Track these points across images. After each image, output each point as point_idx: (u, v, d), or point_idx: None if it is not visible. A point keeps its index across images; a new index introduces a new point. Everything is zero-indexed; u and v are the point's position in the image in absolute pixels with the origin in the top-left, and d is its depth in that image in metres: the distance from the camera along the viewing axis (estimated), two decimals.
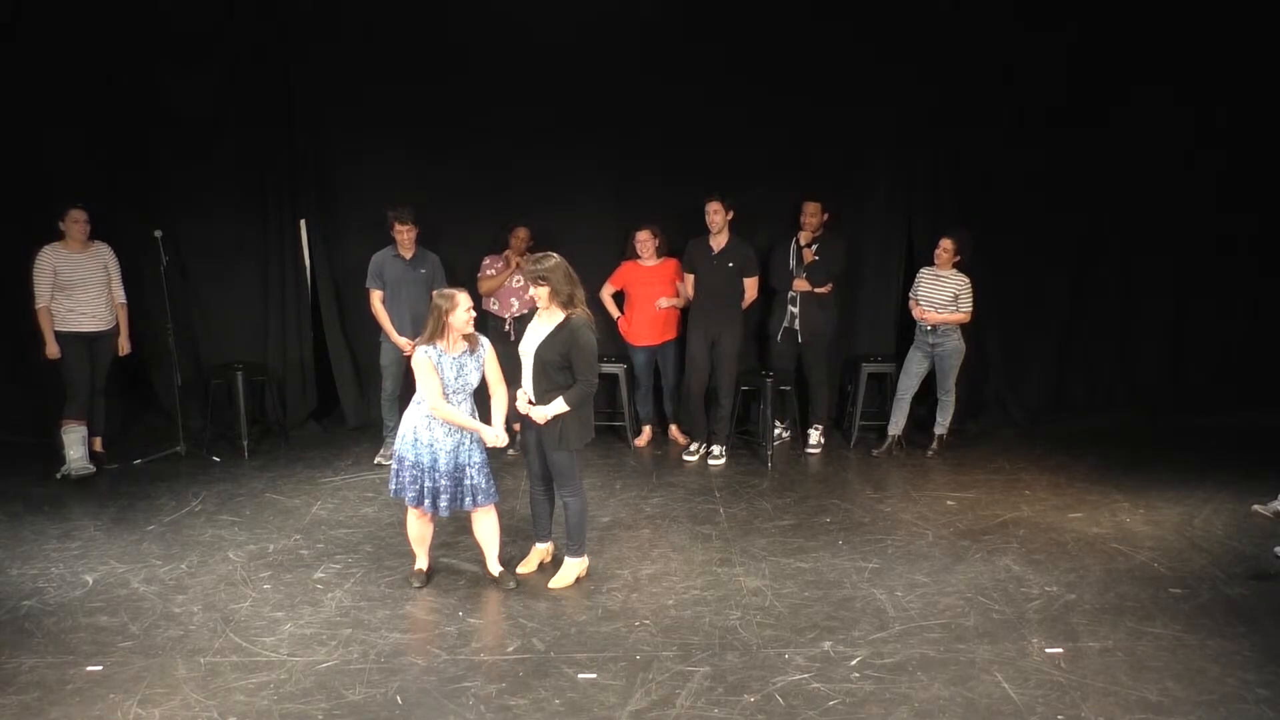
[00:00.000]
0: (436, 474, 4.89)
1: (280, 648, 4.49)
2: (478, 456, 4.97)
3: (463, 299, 4.82)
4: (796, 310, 7.22)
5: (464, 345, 4.87)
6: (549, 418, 4.88)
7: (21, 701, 4.05)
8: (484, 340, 4.99)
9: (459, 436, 4.91)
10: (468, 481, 4.94)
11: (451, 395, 4.86)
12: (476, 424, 4.88)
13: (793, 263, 7.21)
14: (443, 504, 4.92)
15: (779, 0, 7.39)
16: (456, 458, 4.92)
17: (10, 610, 4.84)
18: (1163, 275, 7.87)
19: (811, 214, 7.18)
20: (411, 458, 4.91)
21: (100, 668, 4.31)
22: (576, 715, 3.97)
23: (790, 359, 7.40)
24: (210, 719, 3.94)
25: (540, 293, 4.86)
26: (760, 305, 7.53)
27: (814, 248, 7.17)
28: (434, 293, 4.94)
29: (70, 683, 4.19)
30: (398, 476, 4.96)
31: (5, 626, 4.68)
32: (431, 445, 4.89)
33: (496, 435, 4.89)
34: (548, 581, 5.14)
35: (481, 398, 5.05)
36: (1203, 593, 4.98)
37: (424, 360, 4.81)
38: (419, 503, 4.94)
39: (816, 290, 7.18)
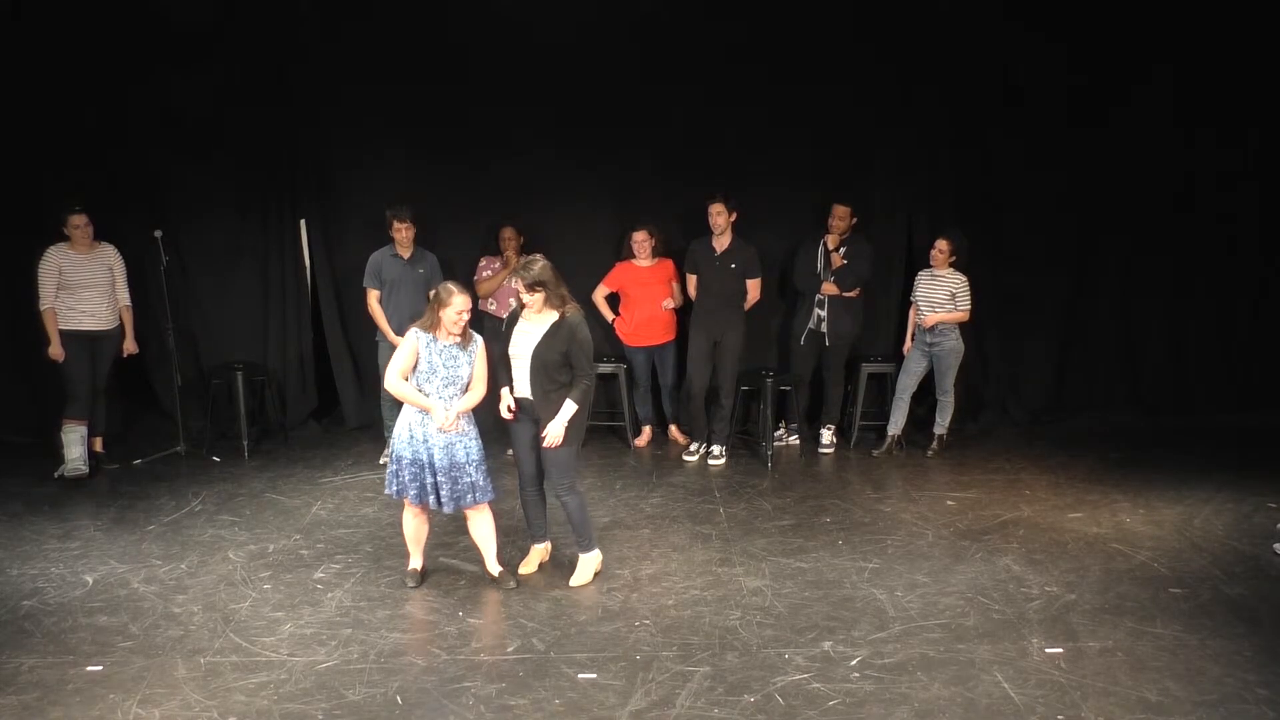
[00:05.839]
0: (434, 470, 4.90)
1: (280, 648, 4.49)
2: (475, 454, 4.97)
3: (458, 300, 4.81)
4: (824, 314, 7.19)
5: (457, 338, 4.89)
6: (565, 425, 4.88)
7: (21, 701, 4.05)
8: (478, 338, 5.01)
9: (453, 433, 4.91)
10: (466, 479, 4.94)
11: (443, 386, 4.87)
12: (426, 402, 4.85)
13: (820, 266, 7.18)
14: (444, 498, 4.92)
15: (779, 1, 7.40)
16: (452, 455, 4.91)
17: (10, 610, 4.84)
18: (1163, 275, 7.87)
19: (840, 217, 7.11)
20: (409, 455, 4.91)
21: (100, 668, 4.31)
22: (576, 715, 3.97)
23: (811, 362, 7.40)
24: (210, 719, 3.95)
25: (535, 298, 4.86)
26: (777, 307, 7.53)
27: (842, 251, 7.14)
28: (439, 286, 4.94)
29: (70, 683, 4.19)
30: (397, 476, 4.95)
31: (5, 626, 4.68)
32: (427, 441, 4.89)
33: (446, 416, 4.84)
34: (548, 579, 5.15)
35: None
36: (1203, 593, 4.98)
37: (410, 340, 4.86)
38: (422, 499, 4.94)
39: (845, 294, 7.16)
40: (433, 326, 4.85)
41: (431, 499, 4.94)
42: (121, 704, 4.04)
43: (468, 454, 4.94)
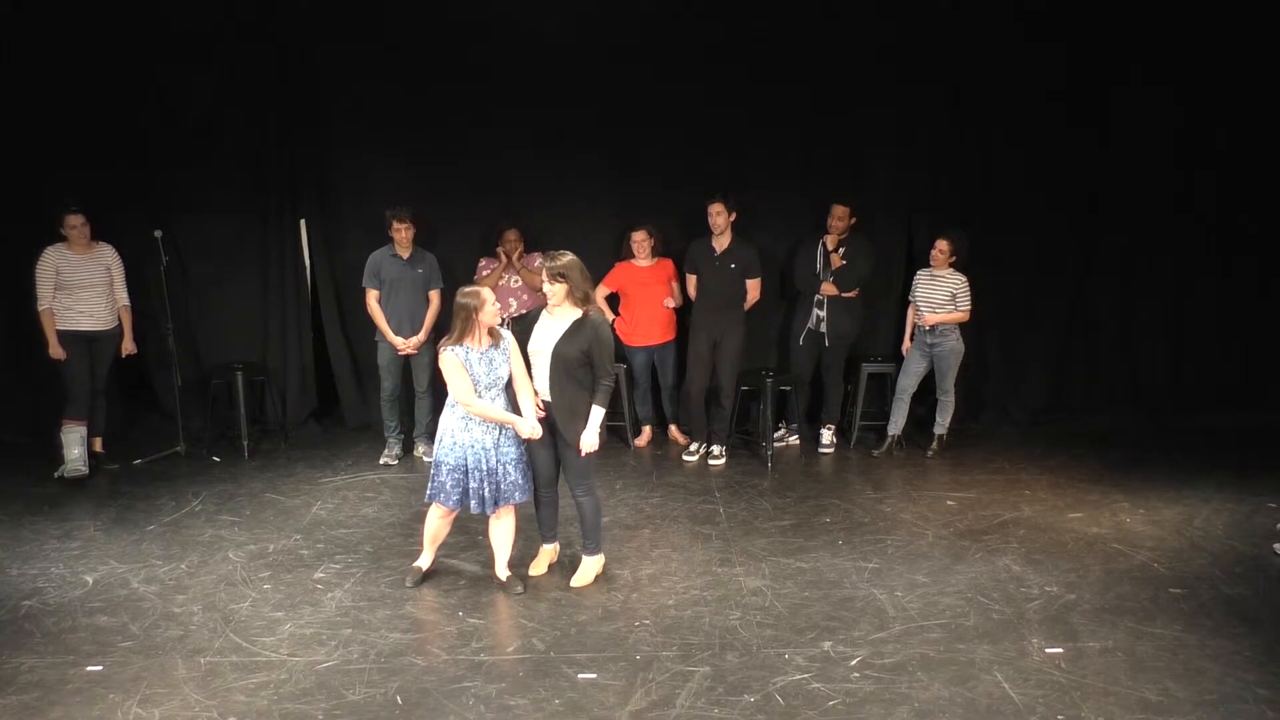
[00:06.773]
0: (481, 474, 4.90)
1: (280, 648, 4.49)
2: (514, 453, 4.96)
3: (488, 294, 4.87)
4: (823, 314, 7.19)
5: (489, 340, 4.89)
6: (596, 430, 4.88)
7: (21, 701, 4.06)
8: (506, 334, 5.01)
9: (495, 434, 4.91)
10: (508, 479, 4.94)
11: (485, 391, 4.87)
12: (510, 416, 4.88)
13: (819, 266, 7.18)
14: (486, 499, 4.92)
15: (779, 2, 7.39)
16: (497, 457, 4.92)
17: (10, 610, 4.85)
18: (1163, 275, 7.87)
19: (839, 217, 7.11)
20: (451, 461, 4.91)
21: (100, 668, 4.31)
22: (576, 715, 3.97)
23: (811, 362, 7.40)
24: (210, 719, 3.95)
25: (557, 290, 4.84)
26: (777, 307, 7.52)
27: (841, 251, 7.14)
28: (458, 292, 4.93)
29: (70, 683, 4.20)
30: (435, 480, 4.95)
31: (5, 626, 4.68)
32: (471, 446, 4.89)
33: (531, 426, 4.88)
34: (552, 580, 5.15)
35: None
36: (1203, 593, 4.98)
37: (452, 360, 4.82)
38: (463, 503, 4.93)
39: (844, 295, 7.16)
40: (464, 336, 4.83)
41: (473, 503, 4.93)
42: (121, 704, 4.04)
43: (506, 454, 4.95)
